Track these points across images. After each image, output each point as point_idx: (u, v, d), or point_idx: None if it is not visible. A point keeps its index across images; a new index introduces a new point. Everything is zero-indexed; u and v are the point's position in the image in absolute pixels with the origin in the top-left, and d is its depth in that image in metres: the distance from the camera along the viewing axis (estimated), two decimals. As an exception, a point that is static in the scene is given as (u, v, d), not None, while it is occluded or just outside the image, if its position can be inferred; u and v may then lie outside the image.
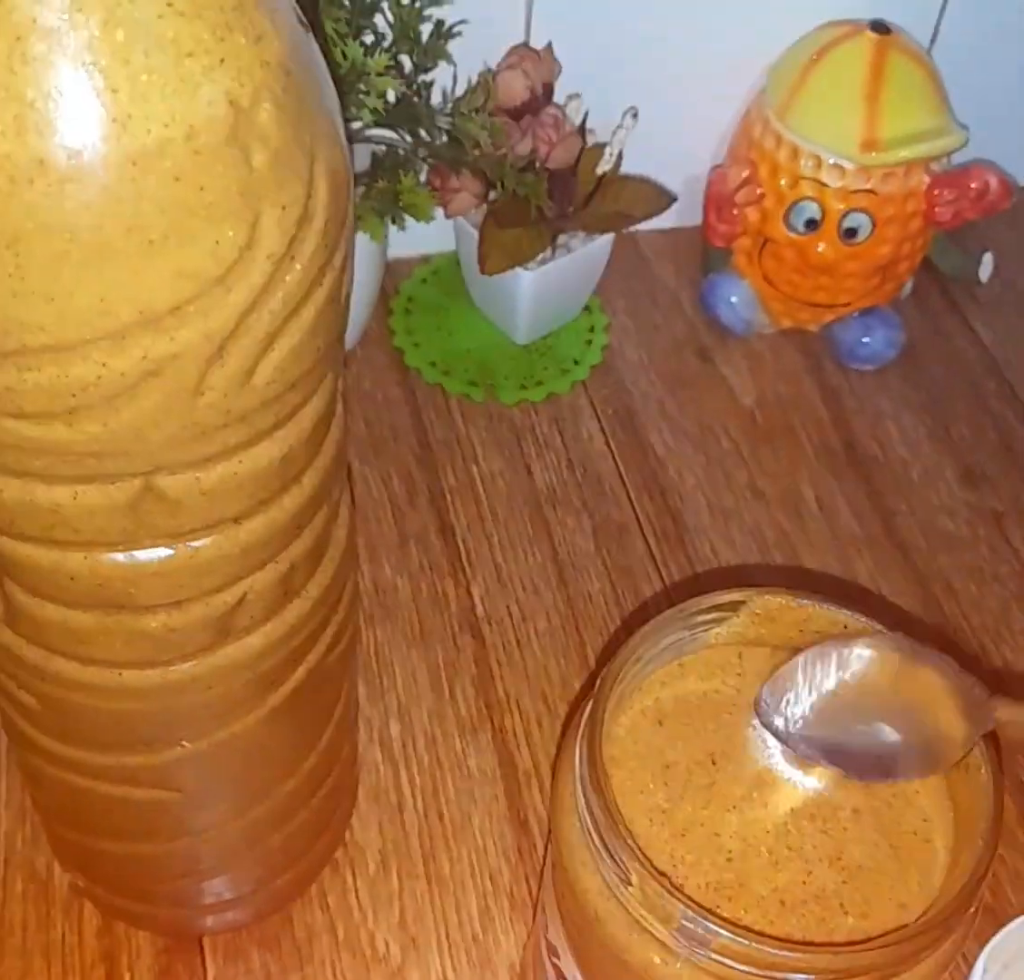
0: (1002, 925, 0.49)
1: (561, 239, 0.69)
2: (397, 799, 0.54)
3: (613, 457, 0.68)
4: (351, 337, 0.70)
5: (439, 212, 0.66)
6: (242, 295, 0.28)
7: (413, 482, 0.65)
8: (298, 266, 0.29)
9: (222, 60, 0.26)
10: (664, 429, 0.70)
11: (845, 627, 0.35)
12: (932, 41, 0.74)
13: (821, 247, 0.68)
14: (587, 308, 0.74)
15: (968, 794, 0.33)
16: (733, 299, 0.73)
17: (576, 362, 0.72)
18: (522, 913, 0.51)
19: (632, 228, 0.75)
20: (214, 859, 0.44)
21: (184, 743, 0.37)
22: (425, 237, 0.73)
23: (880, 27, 0.66)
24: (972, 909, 0.31)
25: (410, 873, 0.52)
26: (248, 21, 0.26)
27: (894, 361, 0.73)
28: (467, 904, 0.51)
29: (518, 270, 0.67)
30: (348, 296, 0.33)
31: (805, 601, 0.35)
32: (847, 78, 0.66)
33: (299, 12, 0.30)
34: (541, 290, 0.69)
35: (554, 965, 0.37)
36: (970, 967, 0.48)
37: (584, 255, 0.69)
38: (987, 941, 0.49)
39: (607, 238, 0.70)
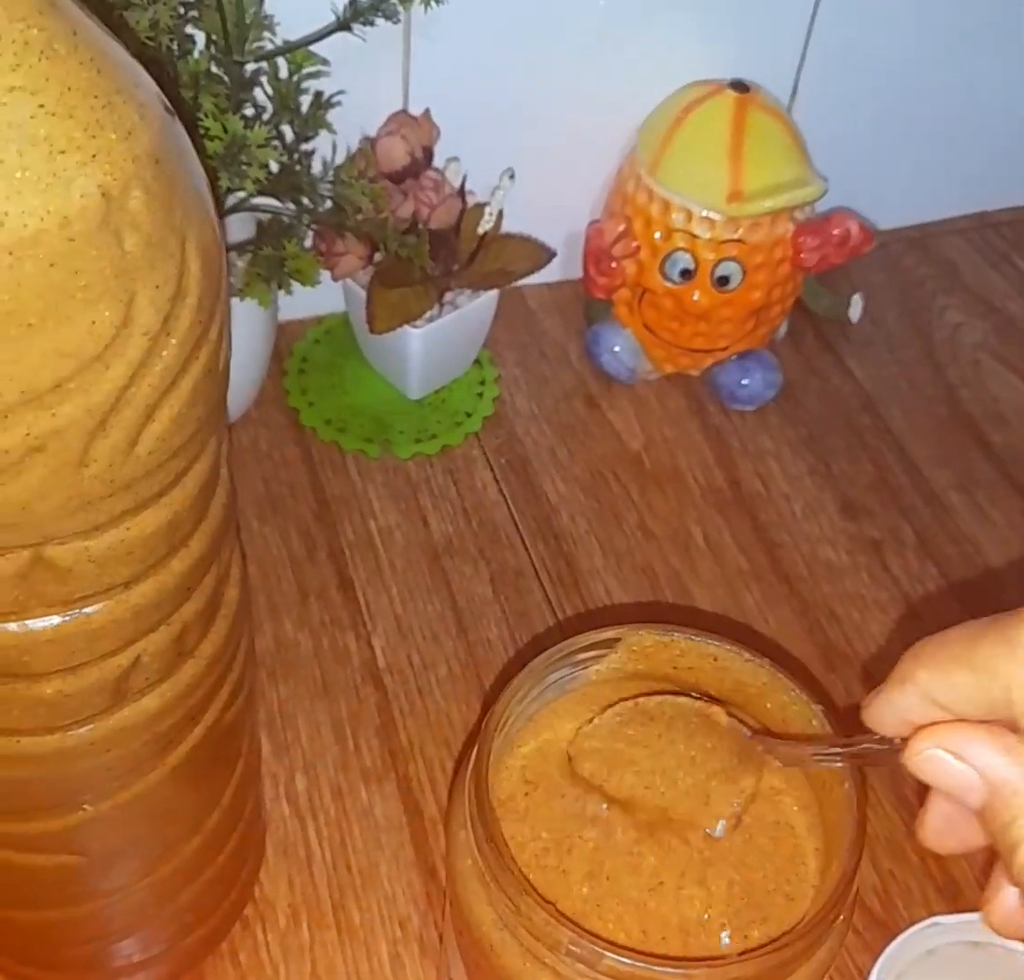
0: (894, 938, 0.52)
1: (448, 297, 0.71)
2: (305, 852, 0.55)
3: (507, 505, 0.70)
4: (246, 399, 0.71)
5: (328, 274, 0.68)
6: (121, 371, 0.29)
7: (312, 538, 0.67)
8: (174, 341, 0.30)
9: (94, 155, 0.27)
10: (556, 476, 0.72)
11: (715, 660, 0.37)
12: (792, 97, 0.78)
13: (696, 295, 0.71)
14: (478, 362, 0.76)
15: (834, 810, 0.35)
16: (616, 348, 0.76)
17: (468, 414, 0.74)
18: (433, 958, 0.52)
19: (518, 283, 0.78)
20: (123, 921, 0.45)
21: (86, 807, 0.38)
22: (317, 298, 0.75)
23: (739, 86, 0.70)
24: (840, 919, 0.33)
25: (320, 924, 0.53)
26: (118, 117, 0.28)
27: (773, 401, 0.76)
28: (378, 952, 0.52)
29: (407, 328, 0.69)
30: (227, 366, 0.34)
31: (677, 635, 0.37)
32: (711, 135, 0.69)
33: (166, 101, 0.31)
34: (430, 347, 0.71)
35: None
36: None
37: (470, 311, 0.71)
38: (880, 954, 0.51)
39: (492, 294, 0.72)
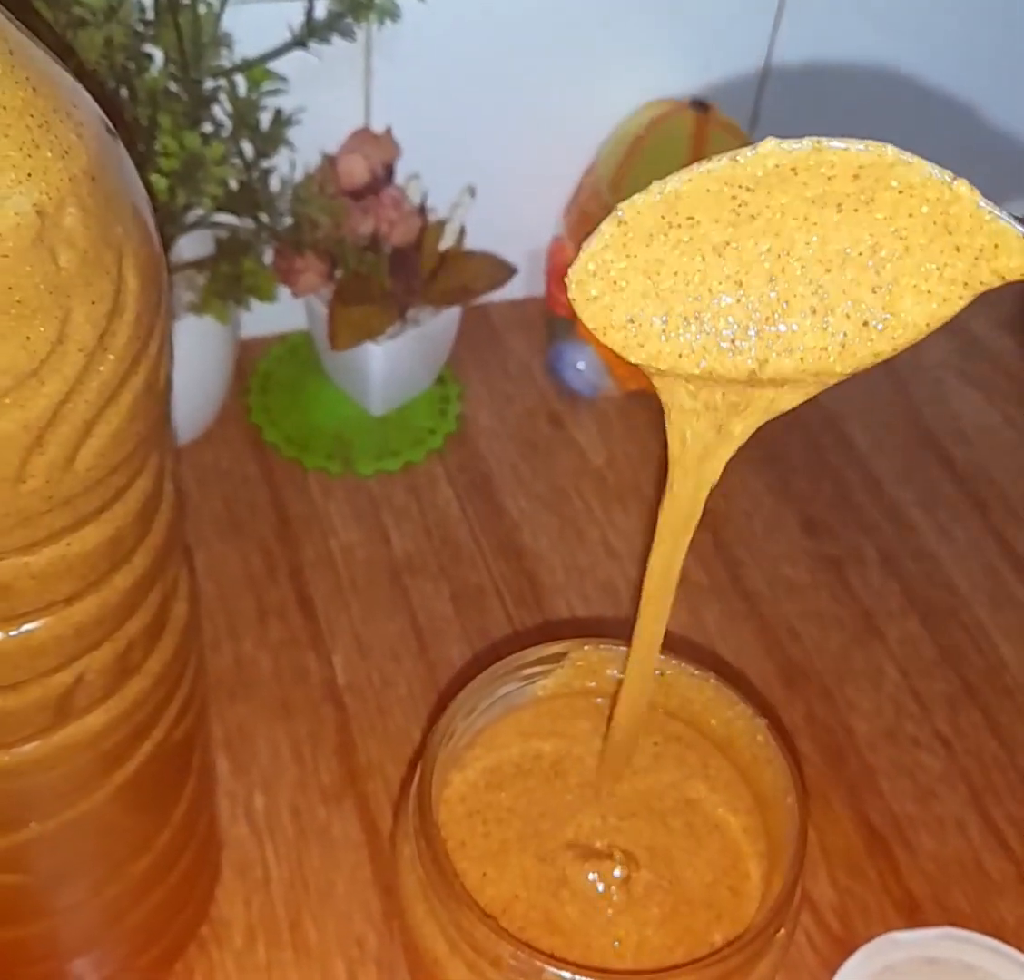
0: (851, 954, 0.52)
1: (409, 314, 0.71)
2: (262, 872, 0.54)
3: (469, 522, 0.70)
4: (207, 416, 0.71)
5: (291, 292, 0.68)
6: (56, 386, 0.29)
7: (272, 557, 0.66)
8: (111, 356, 0.30)
9: (29, 174, 0.27)
10: (518, 493, 0.72)
11: (662, 674, 0.37)
12: (753, 117, 0.79)
13: (657, 313, 0.71)
14: (441, 379, 0.76)
15: (778, 823, 0.35)
16: (580, 365, 0.76)
17: (431, 431, 0.74)
18: (390, 978, 0.52)
19: (482, 300, 0.78)
20: (74, 940, 0.45)
21: (32, 824, 0.38)
22: (281, 316, 0.75)
23: (699, 105, 0.70)
24: (781, 931, 0.33)
25: (277, 944, 0.52)
26: (54, 137, 0.28)
27: (736, 418, 0.76)
28: (334, 972, 0.52)
29: (368, 345, 0.69)
30: (168, 382, 0.34)
31: (623, 649, 0.37)
32: (671, 153, 0.70)
33: (106, 120, 0.31)
34: (392, 363, 0.71)
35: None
36: (822, 997, 0.50)
37: (432, 328, 0.72)
38: (837, 970, 0.51)
39: (454, 311, 0.72)
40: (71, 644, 0.34)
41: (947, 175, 0.27)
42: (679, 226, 0.27)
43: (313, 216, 0.62)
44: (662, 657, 0.37)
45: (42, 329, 0.28)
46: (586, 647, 0.37)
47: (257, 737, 0.59)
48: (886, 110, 0.81)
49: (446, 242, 0.70)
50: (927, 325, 0.27)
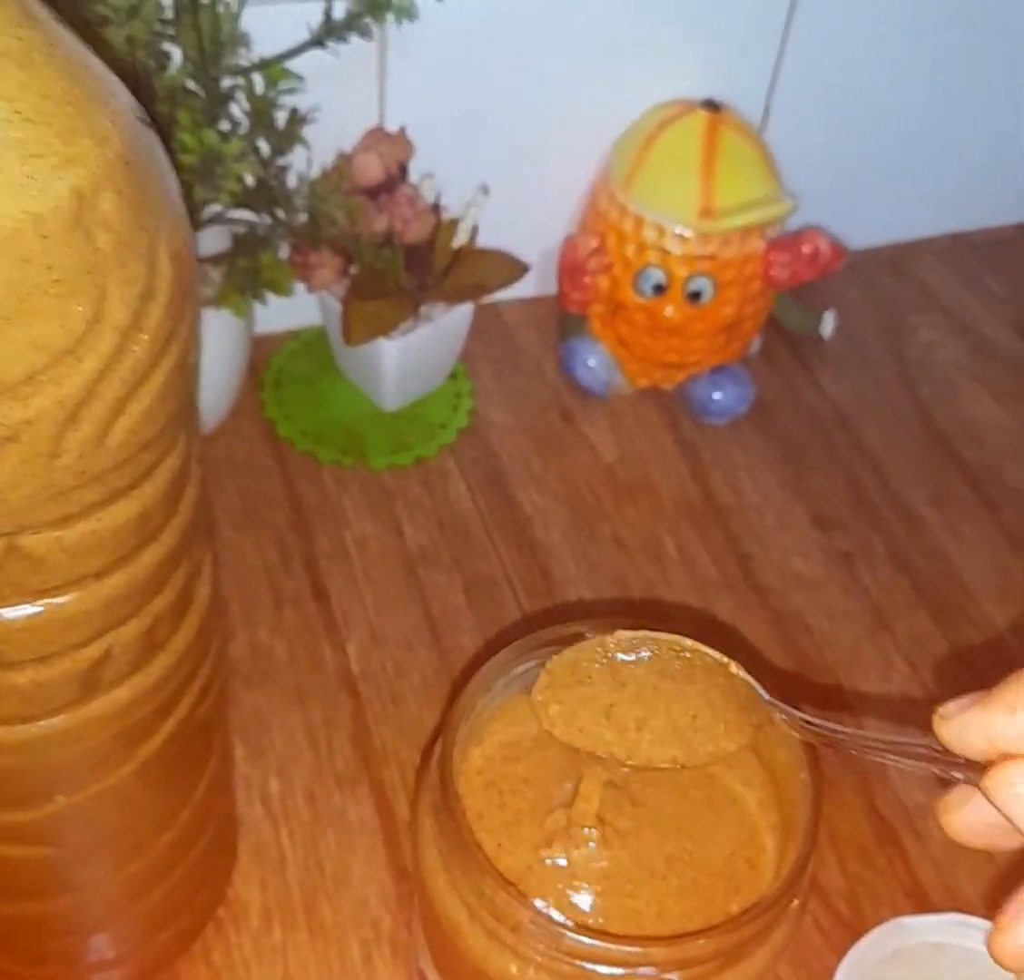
0: (860, 939, 0.52)
1: (423, 310, 0.72)
2: (278, 855, 0.55)
3: (482, 516, 0.70)
4: (222, 410, 0.72)
5: (305, 288, 0.69)
6: (92, 364, 0.30)
7: (287, 548, 0.67)
8: (145, 336, 0.31)
9: (68, 160, 0.28)
10: (530, 487, 0.72)
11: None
12: (765, 116, 0.79)
13: (668, 310, 0.72)
14: (453, 375, 0.77)
15: (791, 797, 0.36)
16: (591, 362, 0.77)
17: (443, 426, 0.75)
18: (405, 958, 0.52)
19: (495, 298, 0.79)
20: (97, 915, 0.45)
21: (59, 797, 0.39)
22: (295, 312, 0.76)
23: (711, 105, 0.71)
24: (795, 902, 0.34)
25: (293, 926, 0.53)
26: (91, 124, 0.29)
27: (746, 415, 0.77)
28: (350, 953, 0.52)
29: (381, 340, 0.70)
30: (196, 365, 0.35)
31: (645, 633, 0.38)
32: (683, 152, 0.71)
33: (141, 111, 0.32)
34: (405, 359, 0.72)
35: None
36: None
37: (445, 324, 0.72)
38: (845, 954, 0.51)
39: (467, 307, 0.73)
40: (99, 618, 0.35)
41: (724, 658, 0.38)
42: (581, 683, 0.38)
43: (329, 212, 0.63)
44: (683, 639, 0.38)
45: (79, 308, 0.29)
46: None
47: (273, 724, 0.60)
48: (900, 110, 0.82)
49: (460, 240, 0.71)
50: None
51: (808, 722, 0.35)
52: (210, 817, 0.47)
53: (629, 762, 0.35)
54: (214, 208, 0.64)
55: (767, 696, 0.37)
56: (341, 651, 0.63)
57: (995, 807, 0.30)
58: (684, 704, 0.36)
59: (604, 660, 0.37)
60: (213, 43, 0.60)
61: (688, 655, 0.37)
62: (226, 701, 0.47)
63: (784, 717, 0.36)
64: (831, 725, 0.34)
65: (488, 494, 0.72)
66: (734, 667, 0.37)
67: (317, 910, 0.54)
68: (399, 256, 0.67)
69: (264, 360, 0.76)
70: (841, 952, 0.52)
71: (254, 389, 0.75)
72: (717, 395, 0.76)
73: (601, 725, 0.36)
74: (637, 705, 0.36)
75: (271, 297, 0.67)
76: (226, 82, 0.62)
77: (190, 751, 0.43)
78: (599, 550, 0.70)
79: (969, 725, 0.30)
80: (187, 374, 0.34)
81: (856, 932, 0.53)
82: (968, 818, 0.32)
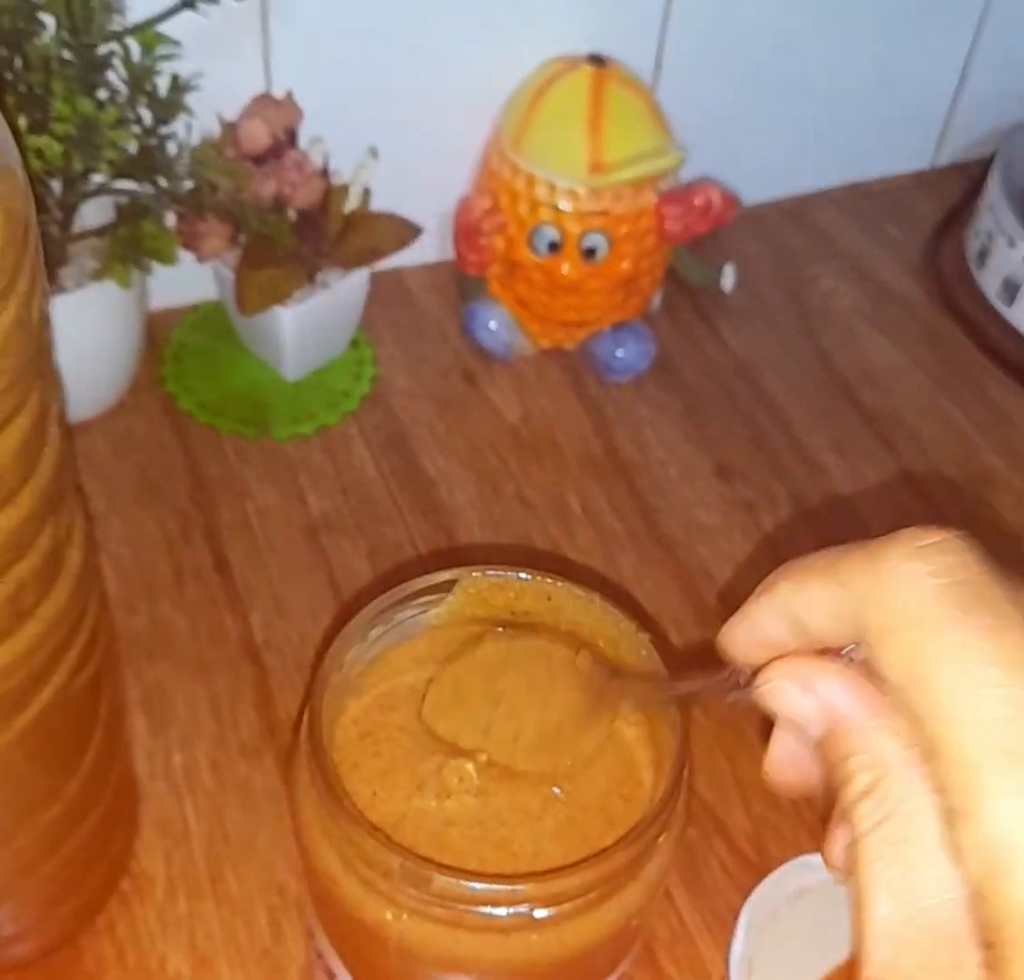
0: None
1: (318, 277, 0.71)
2: (183, 826, 0.55)
3: (385, 481, 0.70)
4: (119, 386, 0.71)
5: (196, 257, 0.68)
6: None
7: (188, 521, 0.67)
8: (-26, 291, 0.30)
9: None
10: (434, 451, 0.72)
11: (549, 599, 0.38)
12: (656, 70, 0.79)
13: (565, 268, 0.72)
14: (356, 342, 0.77)
15: (663, 734, 0.36)
16: (492, 324, 0.76)
17: (346, 394, 0.74)
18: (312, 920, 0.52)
19: (396, 264, 0.78)
20: (-13, 893, 0.45)
21: (-68, 772, 0.38)
22: (191, 285, 0.75)
23: (596, 60, 0.71)
24: (664, 834, 0.34)
25: (199, 896, 0.53)
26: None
27: (649, 371, 0.77)
28: (256, 919, 0.52)
29: (277, 309, 0.69)
30: (44, 321, 0.35)
31: (510, 575, 0.38)
32: (570, 108, 0.70)
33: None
34: (303, 326, 0.71)
35: (314, 947, 0.39)
36: (736, 922, 0.51)
37: (342, 290, 0.72)
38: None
39: (363, 273, 0.72)
40: (-43, 585, 0.34)
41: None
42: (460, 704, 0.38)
43: (212, 179, 0.62)
44: (549, 580, 0.38)
45: (-100, 262, 0.29)
46: (475, 574, 0.38)
47: (175, 696, 0.59)
48: (795, 60, 0.82)
49: (351, 204, 0.71)
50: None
51: (660, 684, 0.36)
52: (102, 789, 0.46)
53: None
54: (97, 178, 0.63)
55: (609, 678, 0.37)
56: (244, 621, 0.63)
57: (763, 706, 0.30)
58: (548, 714, 0.36)
59: (481, 677, 0.37)
60: (83, 7, 0.59)
61: (546, 656, 0.37)
62: (116, 671, 0.46)
63: (636, 689, 0.36)
64: (684, 682, 0.34)
65: (392, 459, 0.71)
66: (580, 659, 0.37)
67: (223, 879, 0.53)
68: (287, 221, 0.66)
69: (163, 335, 0.76)
70: (747, 893, 0.52)
71: (155, 364, 0.74)
72: (619, 352, 0.76)
73: (484, 743, 0.36)
74: (510, 721, 0.36)
75: (170, 271, 0.66)
76: (101, 49, 0.61)
77: (72, 721, 0.42)
78: (504, 510, 0.69)
79: (737, 627, 0.31)
80: (30, 329, 0.33)
81: (761, 873, 0.54)
82: (772, 753, 0.32)
